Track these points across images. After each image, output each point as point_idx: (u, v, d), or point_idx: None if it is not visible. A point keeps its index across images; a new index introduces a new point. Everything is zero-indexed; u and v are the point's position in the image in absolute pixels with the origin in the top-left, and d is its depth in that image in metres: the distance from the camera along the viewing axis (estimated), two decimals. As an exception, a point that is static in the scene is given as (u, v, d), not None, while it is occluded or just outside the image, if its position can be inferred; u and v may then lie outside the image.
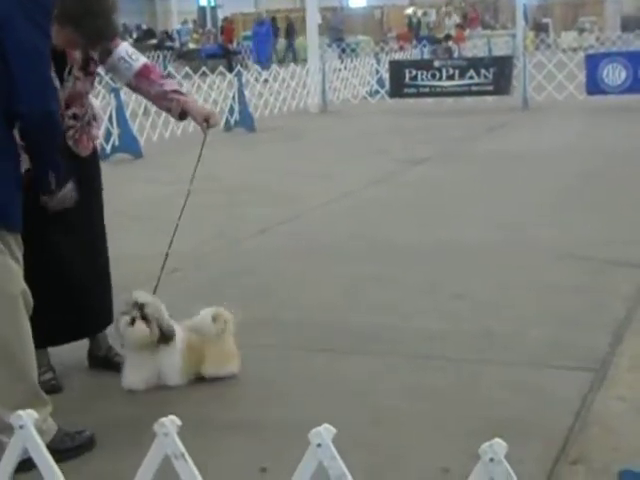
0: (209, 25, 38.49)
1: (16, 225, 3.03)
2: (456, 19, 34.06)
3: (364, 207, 7.69)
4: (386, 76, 17.27)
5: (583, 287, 5.09)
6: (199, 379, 3.83)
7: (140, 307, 3.72)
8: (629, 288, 5.01)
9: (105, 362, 4.04)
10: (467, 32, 31.99)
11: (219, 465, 3.02)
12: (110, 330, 4.03)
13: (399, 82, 16.20)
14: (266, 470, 3.00)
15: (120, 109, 11.43)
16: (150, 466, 1.69)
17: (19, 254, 3.09)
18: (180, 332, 3.82)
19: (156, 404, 3.62)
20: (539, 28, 34.94)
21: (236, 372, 3.87)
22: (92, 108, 3.87)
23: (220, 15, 38.14)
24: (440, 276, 5.43)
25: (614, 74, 14.77)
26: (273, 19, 33.80)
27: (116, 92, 11.41)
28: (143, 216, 7.23)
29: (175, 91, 3.84)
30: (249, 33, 31.61)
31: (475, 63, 16.31)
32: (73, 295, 3.78)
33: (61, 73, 3.64)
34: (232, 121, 13.91)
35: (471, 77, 15.73)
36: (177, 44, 33.25)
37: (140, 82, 3.81)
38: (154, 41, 32.97)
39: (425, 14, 38.36)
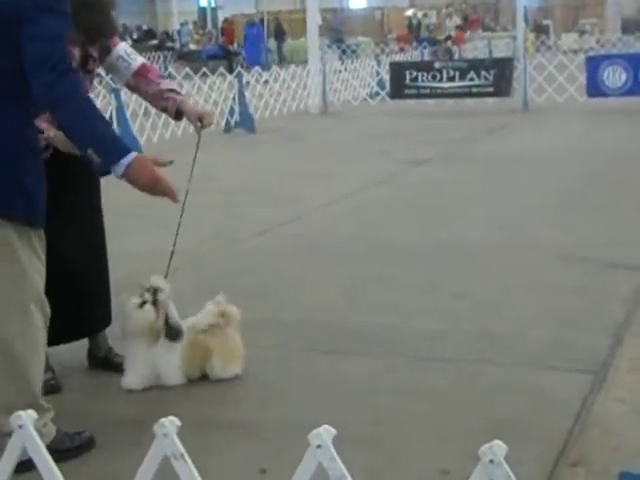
0: (209, 26, 38.51)
1: (40, 221, 3.01)
2: (457, 21, 34.06)
3: (365, 208, 7.69)
4: (386, 77, 17.28)
5: (583, 288, 5.08)
6: (200, 378, 3.82)
7: (154, 291, 3.68)
8: (629, 290, 5.01)
9: (105, 362, 4.04)
10: (467, 34, 32.00)
11: (219, 466, 3.02)
12: (109, 331, 4.03)
13: (399, 83, 16.20)
14: (266, 471, 3.00)
15: (120, 109, 11.44)
16: (150, 467, 1.69)
17: (42, 253, 3.05)
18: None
19: (156, 404, 3.62)
20: (540, 30, 34.96)
21: (239, 373, 3.85)
22: None
23: (220, 16, 38.16)
24: (440, 276, 5.43)
25: (614, 76, 14.77)
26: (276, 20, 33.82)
27: (116, 92, 11.41)
28: (143, 215, 7.22)
29: (172, 90, 3.82)
30: (250, 34, 31.59)
31: (476, 65, 16.31)
32: (72, 295, 3.77)
33: None
34: (232, 122, 13.91)
35: (471, 79, 15.73)
36: (177, 45, 33.26)
37: (138, 81, 3.80)
38: (155, 42, 32.99)
39: (425, 16, 38.38)
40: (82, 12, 3.36)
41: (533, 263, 5.68)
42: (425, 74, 15.99)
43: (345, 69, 19.11)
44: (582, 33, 33.73)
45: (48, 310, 3.09)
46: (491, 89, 15.72)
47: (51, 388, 3.72)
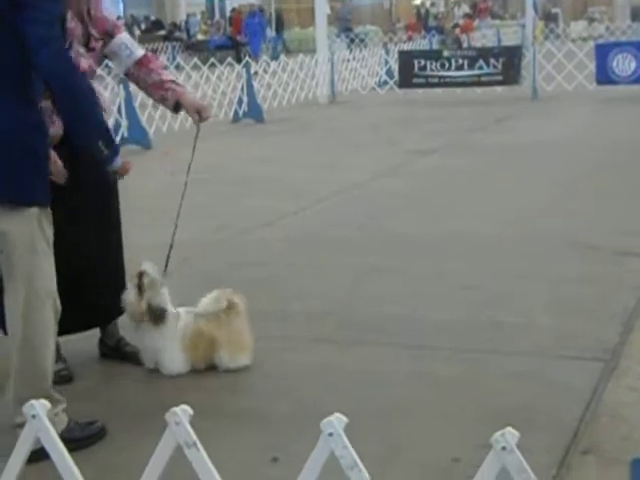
0: (217, 16, 38.43)
1: (45, 199, 3.03)
2: (465, 9, 33.95)
3: (373, 198, 7.68)
4: (395, 66, 17.23)
5: (593, 277, 5.07)
6: (209, 368, 3.83)
7: (139, 275, 3.72)
8: (639, 278, 5.00)
9: (115, 351, 4.06)
10: (476, 22, 31.88)
11: (230, 455, 3.03)
12: (121, 320, 4.04)
13: (408, 72, 16.16)
14: (277, 460, 3.01)
15: (129, 100, 11.43)
16: (162, 455, 1.70)
17: (50, 233, 3.08)
18: (184, 318, 3.80)
19: (166, 393, 3.63)
20: (549, 18, 34.80)
21: (248, 363, 3.85)
22: (103, 99, 3.87)
23: (228, 6, 38.06)
24: (449, 267, 5.43)
25: (624, 64, 14.70)
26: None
27: (125, 83, 11.38)
28: (153, 207, 7.23)
29: (172, 81, 3.82)
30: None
31: (484, 53, 16.25)
32: (84, 285, 3.79)
33: None
34: (240, 112, 13.89)
35: (480, 67, 15.67)
36: (185, 35, 33.22)
37: (139, 70, 3.79)
38: (162, 32, 32.94)
39: (433, 4, 38.27)
40: None
41: (542, 252, 5.67)
42: (434, 63, 15.94)
43: (353, 58, 19.07)
44: (591, 21, 33.58)
45: (59, 303, 3.11)
46: (500, 77, 15.66)
47: (63, 378, 3.75)
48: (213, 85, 14.64)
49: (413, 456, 3.03)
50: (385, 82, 17.51)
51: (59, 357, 3.89)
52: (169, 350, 3.77)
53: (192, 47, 29.51)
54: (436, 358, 3.96)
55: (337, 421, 1.62)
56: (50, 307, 3.06)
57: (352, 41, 27.49)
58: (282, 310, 4.69)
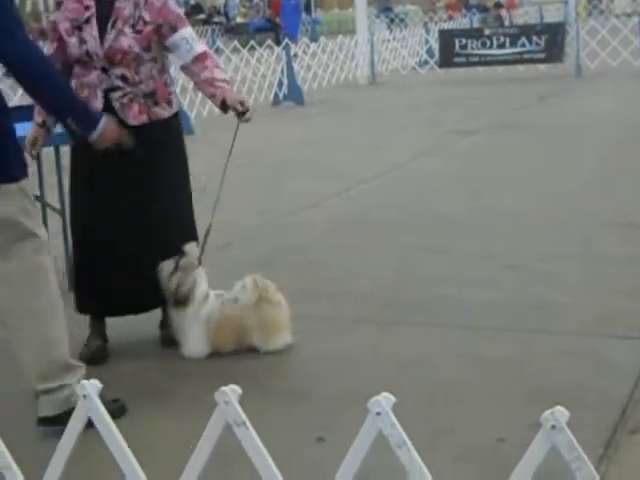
0: (256, -1, 38.36)
1: (23, 173, 3.13)
2: (506, -14, 33.44)
3: (415, 179, 7.65)
4: (435, 46, 17.09)
5: (636, 256, 5.01)
6: (248, 351, 3.84)
7: (179, 257, 3.76)
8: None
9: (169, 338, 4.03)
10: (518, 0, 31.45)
11: (276, 434, 3.05)
12: None
13: (449, 52, 16.03)
14: (322, 440, 3.03)
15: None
16: (211, 434, 1.72)
17: (32, 197, 3.20)
18: (212, 302, 3.83)
19: (208, 375, 3.66)
20: (592, -7, 34.18)
21: (289, 342, 3.87)
22: (167, 91, 3.87)
23: (267, -12, 37.98)
24: (493, 246, 5.39)
25: (670, 39, 14.40)
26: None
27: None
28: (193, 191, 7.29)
29: (222, 80, 3.84)
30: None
31: (527, 30, 16.05)
32: (130, 268, 3.83)
33: (104, 24, 3.71)
34: (281, 95, 13.90)
35: (522, 45, 15.49)
36: (224, 19, 33.26)
37: (195, 66, 3.84)
38: (202, 16, 33.03)
39: (474, -18, 37.73)
40: None
41: (586, 231, 5.61)
42: (475, 41, 15.78)
43: (394, 38, 18.95)
44: (636, -5, 32.87)
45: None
46: (542, 55, 15.46)
47: (97, 355, 3.85)
48: (253, 68, 14.65)
49: (458, 436, 3.03)
50: (426, 62, 17.39)
51: (99, 335, 3.96)
52: (191, 332, 3.81)
53: (231, 30, 29.57)
54: (481, 338, 3.94)
55: (385, 400, 1.63)
56: (53, 274, 3.16)
57: (392, 21, 27.31)
58: (327, 291, 4.70)
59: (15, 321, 3.10)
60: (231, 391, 1.68)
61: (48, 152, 5.05)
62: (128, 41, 3.71)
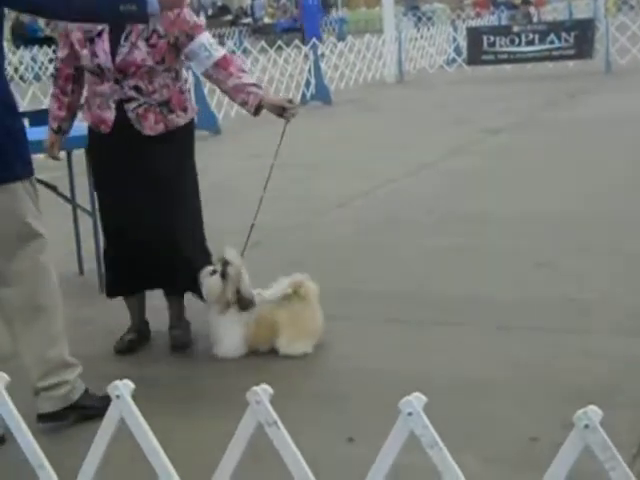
0: (283, -1, 38.42)
1: (29, 172, 3.18)
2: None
3: (443, 178, 7.62)
4: (463, 44, 17.01)
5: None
6: (273, 351, 3.86)
7: (224, 263, 3.79)
8: None
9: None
10: (546, -4, 31.22)
11: (306, 435, 3.05)
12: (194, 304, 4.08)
13: (477, 49, 15.94)
14: (353, 440, 3.03)
15: (198, 85, 11.54)
16: (243, 434, 1.73)
17: (37, 197, 3.23)
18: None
19: (240, 375, 3.67)
20: (621, -11, 33.82)
21: (308, 351, 3.84)
22: (183, 99, 3.85)
23: (294, -12, 38.02)
24: (522, 245, 5.36)
25: (702, 33, 14.22)
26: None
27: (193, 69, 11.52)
28: (224, 192, 7.32)
29: (254, 85, 3.82)
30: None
31: (555, 27, 15.92)
32: (147, 252, 3.88)
33: (118, 37, 3.67)
34: (308, 94, 13.91)
35: (551, 42, 15.37)
36: (251, 19, 33.34)
37: (217, 73, 3.79)
38: (229, 17, 33.13)
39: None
40: None
41: (615, 230, 5.55)
42: (503, 38, 15.69)
43: (421, 37, 18.89)
44: (667, -10, 32.48)
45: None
46: (572, 51, 15.34)
47: (126, 347, 3.94)
48: (280, 68, 14.67)
49: (491, 436, 3.01)
50: (453, 60, 17.31)
51: (134, 329, 4.05)
52: (229, 333, 3.83)
53: (259, 31, 29.64)
54: (512, 337, 3.92)
55: (416, 400, 1.62)
56: (54, 271, 3.22)
57: (419, 19, 27.21)
58: (356, 290, 4.70)
59: (19, 319, 3.17)
60: (262, 391, 1.68)
61: (79, 155, 5.10)
62: (142, 55, 3.68)
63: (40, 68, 21.75)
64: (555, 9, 28.64)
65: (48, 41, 23.50)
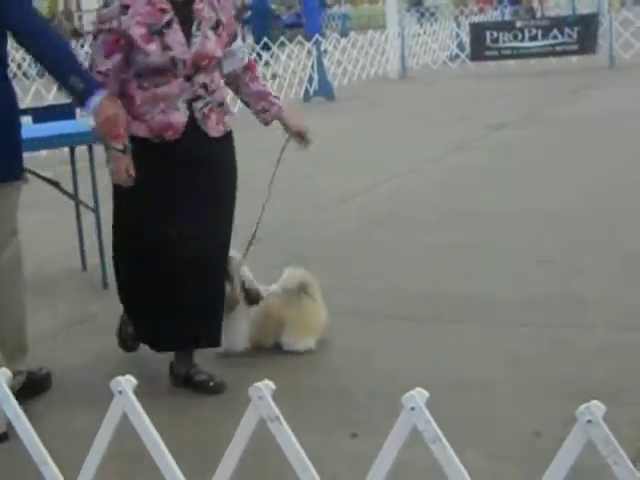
0: (286, -5, 38.37)
1: (19, 173, 3.26)
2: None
3: (447, 173, 7.61)
4: (466, 40, 16.98)
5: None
6: (276, 346, 3.86)
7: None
8: None
9: (185, 382, 3.59)
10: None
11: (309, 430, 3.05)
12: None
13: (480, 45, 15.92)
14: (356, 435, 3.03)
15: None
16: (246, 430, 1.73)
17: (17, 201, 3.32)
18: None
19: (243, 370, 3.67)
20: (625, -16, 33.78)
21: (312, 347, 3.84)
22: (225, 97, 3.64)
23: (297, -16, 37.97)
24: (524, 242, 5.36)
25: None
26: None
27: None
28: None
29: (276, 96, 3.74)
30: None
31: (559, 22, 15.90)
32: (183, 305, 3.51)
33: (189, 27, 3.37)
34: (311, 91, 13.90)
35: (555, 37, 15.34)
36: (255, 15, 33.24)
37: (245, 74, 3.66)
38: (232, 12, 33.05)
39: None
40: None
41: (618, 227, 5.55)
42: (506, 34, 15.66)
43: (424, 32, 18.86)
44: (670, -15, 32.44)
45: None
46: (575, 47, 15.31)
47: (130, 343, 3.86)
48: (283, 64, 14.66)
49: (495, 431, 3.01)
50: (457, 56, 17.29)
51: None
52: (235, 328, 3.81)
53: (262, 26, 29.50)
54: (513, 334, 3.92)
55: (419, 395, 1.62)
56: (22, 267, 3.35)
57: (422, 15, 27.19)
58: (358, 286, 4.70)
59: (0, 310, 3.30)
60: (265, 386, 1.68)
61: (81, 150, 5.10)
62: (212, 45, 3.41)
63: (43, 64, 21.71)
64: (558, 4, 28.59)
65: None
